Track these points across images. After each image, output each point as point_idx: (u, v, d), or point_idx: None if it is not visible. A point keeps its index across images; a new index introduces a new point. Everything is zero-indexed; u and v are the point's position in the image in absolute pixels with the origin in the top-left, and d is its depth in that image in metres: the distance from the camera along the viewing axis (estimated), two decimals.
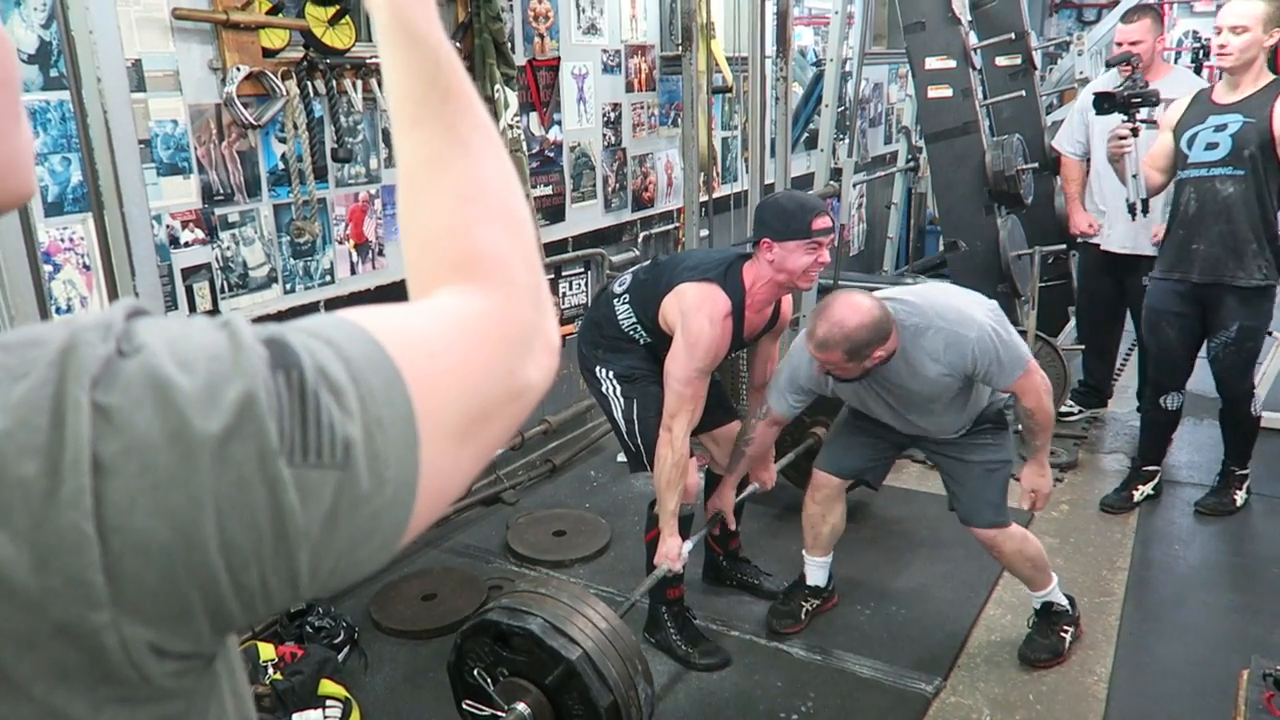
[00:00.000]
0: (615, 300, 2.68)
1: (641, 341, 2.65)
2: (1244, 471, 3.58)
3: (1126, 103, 3.25)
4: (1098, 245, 4.14)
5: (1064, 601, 2.75)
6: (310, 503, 0.44)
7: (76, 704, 0.43)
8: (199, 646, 0.45)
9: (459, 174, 0.60)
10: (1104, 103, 3.30)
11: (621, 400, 2.67)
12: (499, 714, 2.09)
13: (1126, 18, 3.92)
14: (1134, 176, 3.31)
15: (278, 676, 2.43)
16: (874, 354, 2.36)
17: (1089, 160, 4.19)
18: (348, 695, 2.46)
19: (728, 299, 2.47)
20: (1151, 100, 3.25)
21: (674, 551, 2.58)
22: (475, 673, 2.15)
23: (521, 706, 2.07)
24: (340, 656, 2.72)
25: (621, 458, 4.02)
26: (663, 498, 2.56)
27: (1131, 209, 3.35)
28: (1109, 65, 4.10)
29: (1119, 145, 3.29)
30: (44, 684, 0.42)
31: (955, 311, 2.44)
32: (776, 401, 2.66)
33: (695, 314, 2.45)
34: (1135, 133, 3.22)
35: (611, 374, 2.67)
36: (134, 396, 0.41)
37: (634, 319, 2.63)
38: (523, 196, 0.63)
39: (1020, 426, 2.62)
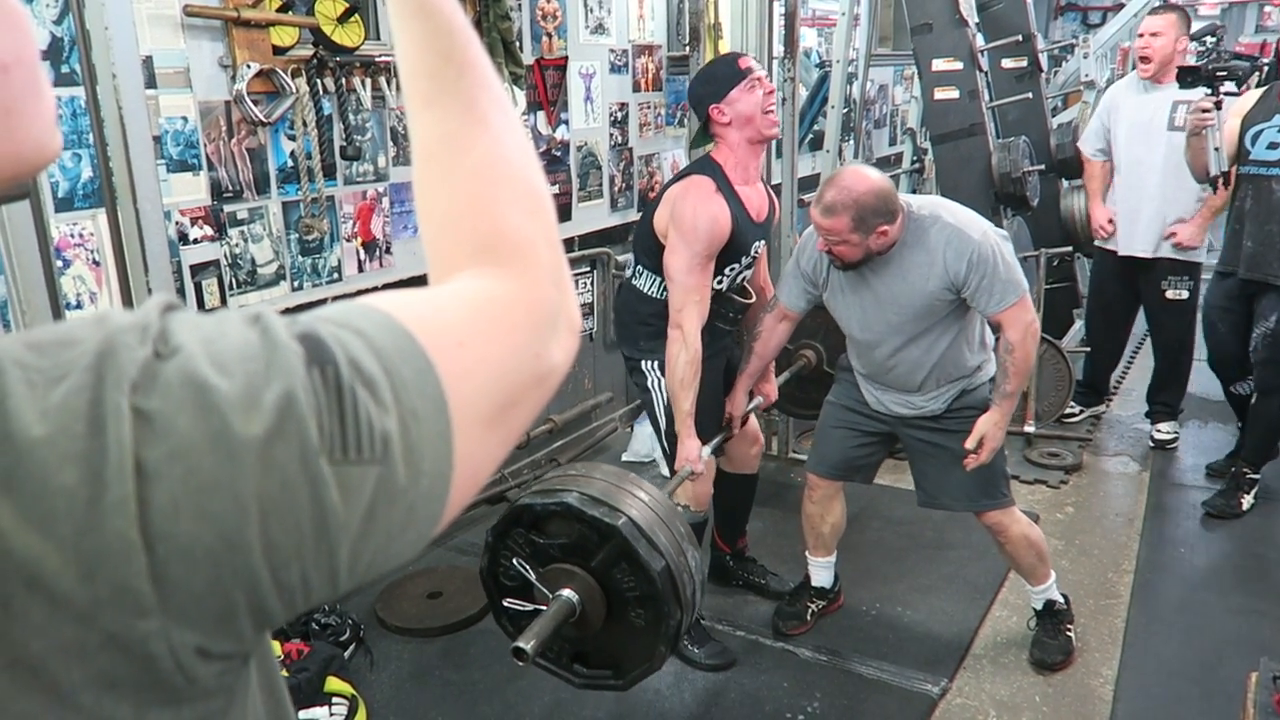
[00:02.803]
0: (632, 280, 2.68)
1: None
2: (1255, 475, 3.57)
3: (1211, 76, 3.26)
4: (1114, 251, 4.09)
5: (1062, 599, 2.75)
6: (351, 499, 0.44)
7: (122, 709, 0.42)
8: (241, 645, 0.45)
9: (479, 152, 0.59)
10: (1188, 76, 3.32)
11: (664, 394, 2.61)
12: (541, 608, 1.89)
13: (1152, 10, 3.92)
14: (1215, 150, 3.29)
15: (284, 673, 2.43)
16: (879, 228, 2.31)
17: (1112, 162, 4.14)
18: (354, 693, 2.46)
19: (708, 178, 2.47)
20: (1237, 74, 3.28)
21: (693, 453, 2.53)
22: (515, 562, 1.95)
23: (567, 593, 1.88)
24: (346, 654, 2.72)
25: (627, 456, 4.04)
26: (677, 398, 2.51)
27: (1213, 182, 3.37)
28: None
29: (1201, 118, 3.28)
30: (92, 693, 0.41)
31: (967, 214, 2.43)
32: (783, 292, 2.67)
33: (681, 202, 2.45)
34: (1219, 105, 3.23)
35: (657, 365, 2.62)
36: (175, 401, 0.41)
37: (652, 277, 2.60)
38: (542, 173, 0.62)
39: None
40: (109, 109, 1.56)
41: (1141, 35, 3.85)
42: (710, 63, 2.72)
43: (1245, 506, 3.54)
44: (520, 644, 1.74)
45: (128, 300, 1.63)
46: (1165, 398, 4.18)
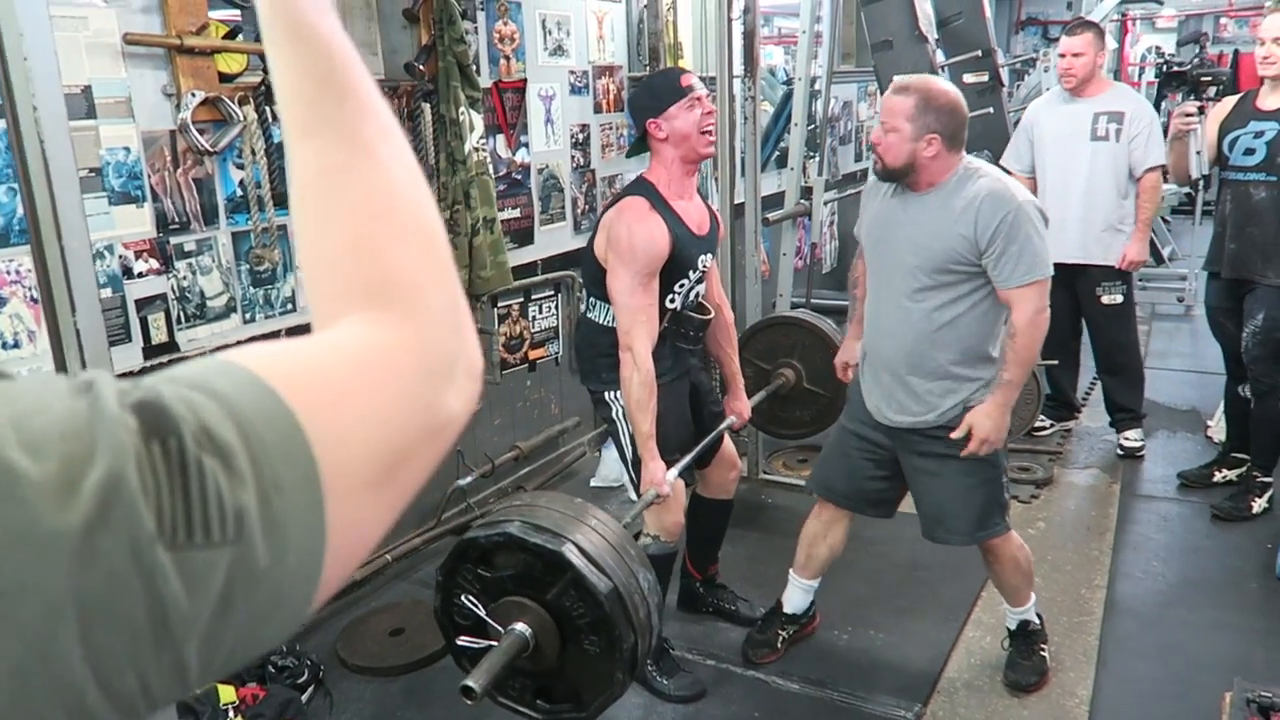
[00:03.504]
0: (587, 313, 2.64)
1: None
2: (1267, 479, 3.59)
3: (1196, 81, 3.37)
4: None
5: (1037, 619, 2.72)
6: (198, 589, 0.39)
7: None
8: None
9: (362, 187, 0.54)
10: (1173, 80, 3.44)
11: (628, 424, 2.54)
12: (495, 643, 1.86)
13: (1070, 30, 4.05)
14: (1198, 153, 3.45)
15: None
16: (931, 133, 2.27)
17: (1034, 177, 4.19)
18: None
19: (641, 197, 2.45)
20: (1220, 80, 3.41)
21: (658, 475, 2.46)
22: (464, 599, 1.92)
23: (520, 626, 1.84)
24: (305, 697, 2.64)
25: (596, 482, 3.98)
26: (635, 420, 2.45)
27: (1194, 185, 3.48)
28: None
29: (1186, 122, 3.44)
30: None
31: (1012, 180, 2.40)
32: (858, 229, 2.64)
33: (616, 225, 2.43)
34: (1202, 110, 3.35)
35: (620, 395, 2.55)
36: None
37: (605, 307, 2.55)
38: (434, 207, 0.57)
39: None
40: (30, 142, 1.49)
41: (1064, 55, 4.00)
42: (652, 75, 2.71)
43: (1256, 510, 3.55)
44: (469, 682, 1.70)
45: (56, 341, 1.56)
46: (1123, 402, 4.22)
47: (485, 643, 1.88)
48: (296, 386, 0.44)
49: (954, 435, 2.39)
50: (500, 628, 1.85)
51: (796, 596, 2.86)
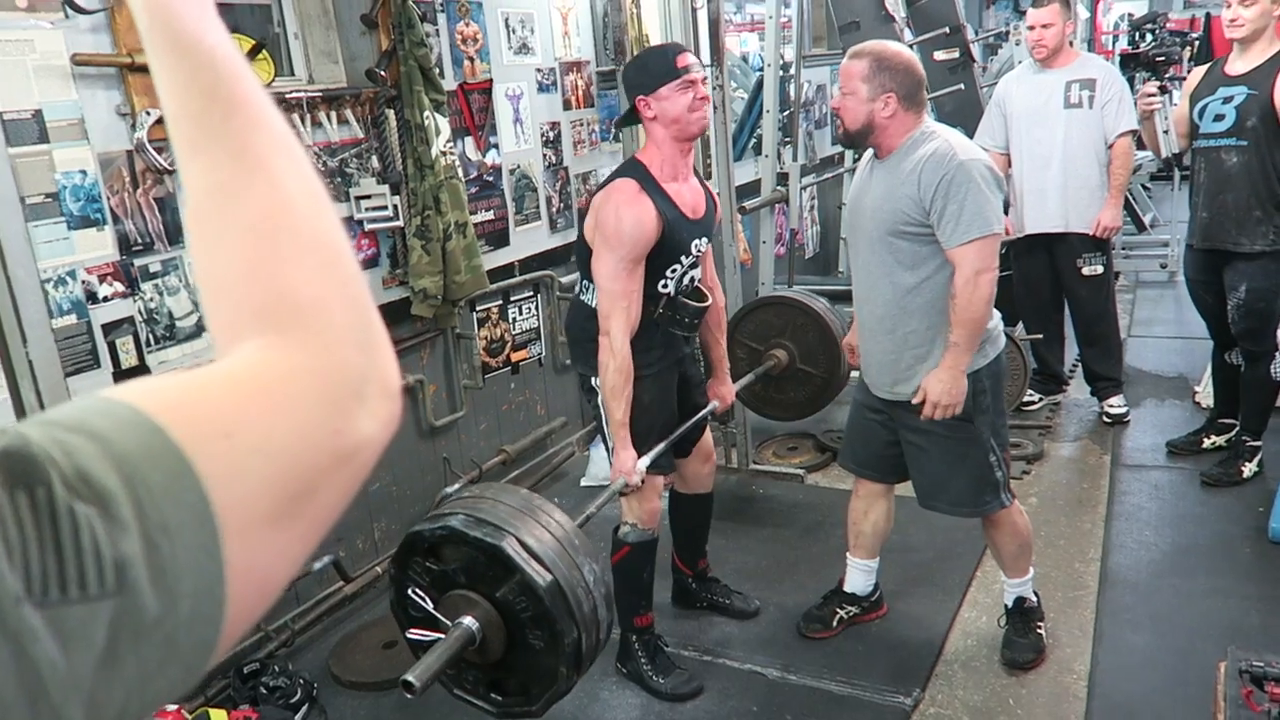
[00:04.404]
0: (579, 296, 2.59)
1: None
2: (1256, 443, 3.58)
3: (1152, 61, 3.35)
4: (1027, 236, 4.15)
5: (1033, 597, 2.70)
6: (77, 646, 0.36)
7: None
8: None
9: (254, 203, 0.51)
10: (1130, 62, 3.41)
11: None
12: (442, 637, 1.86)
13: (1037, 2, 4.03)
14: (1164, 133, 3.45)
15: None
16: (887, 92, 2.29)
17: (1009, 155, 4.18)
18: None
19: (631, 179, 2.40)
20: (1174, 57, 3.39)
21: (628, 464, 2.43)
22: (412, 593, 1.92)
23: (467, 620, 1.85)
24: (298, 717, 2.61)
25: (586, 481, 3.95)
26: (609, 407, 2.42)
27: (1167, 164, 3.46)
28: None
29: (1149, 102, 3.44)
30: None
31: (968, 143, 2.38)
32: None
33: (604, 208, 2.39)
34: (1163, 90, 3.33)
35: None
36: None
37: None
38: (336, 220, 0.54)
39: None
40: None
41: (1033, 28, 3.99)
42: (648, 50, 2.64)
43: (1246, 474, 3.55)
44: (408, 676, 1.70)
45: (9, 372, 1.53)
46: (1103, 371, 4.23)
47: (434, 635, 1.87)
48: (183, 420, 0.41)
49: (914, 400, 2.41)
50: (448, 622, 1.85)
51: (855, 577, 2.86)
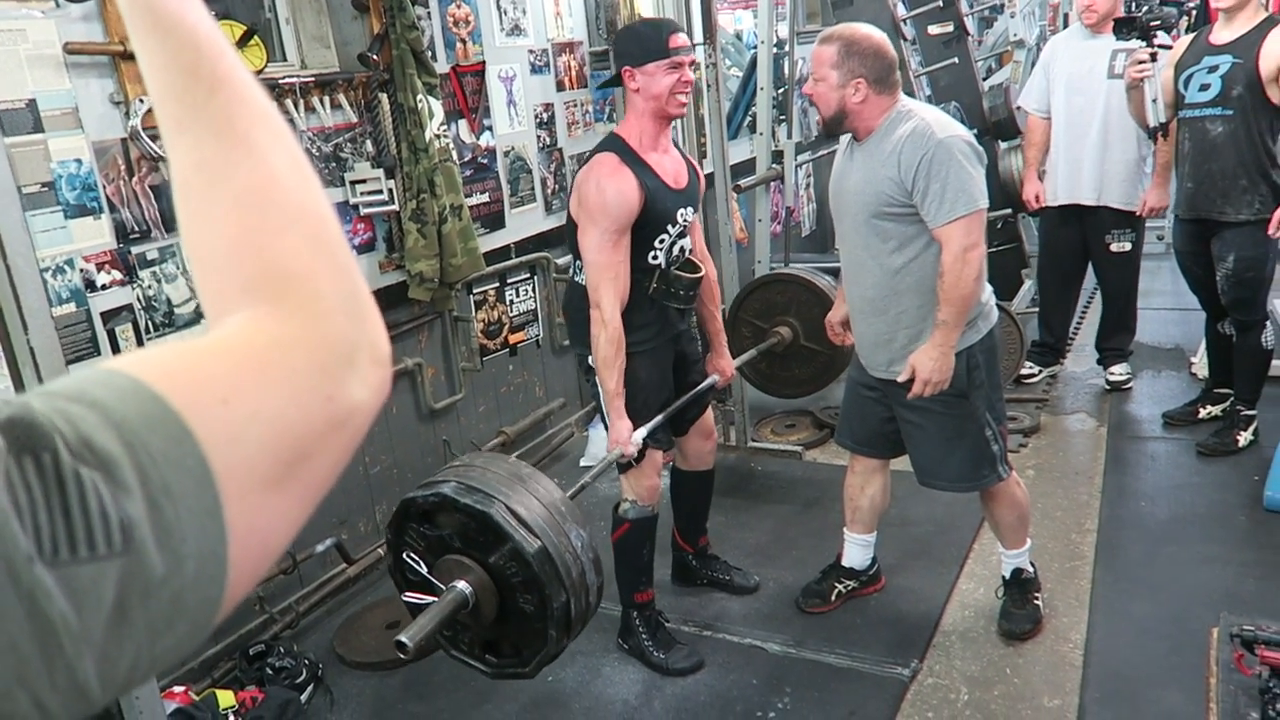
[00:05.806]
0: (574, 278, 2.60)
1: None
2: (1251, 412, 3.60)
3: (1145, 27, 3.29)
4: (1058, 207, 4.11)
5: (1030, 568, 2.73)
6: (87, 604, 0.38)
7: None
8: None
9: (241, 178, 0.53)
10: (1123, 27, 3.36)
11: None
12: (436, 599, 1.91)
13: None
14: (1154, 101, 3.37)
15: None
16: (858, 78, 2.30)
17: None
18: None
19: (610, 153, 2.42)
20: (1169, 23, 3.33)
21: (624, 434, 2.45)
22: (407, 557, 1.98)
23: (461, 584, 1.89)
24: (304, 697, 2.64)
25: (585, 461, 3.98)
26: (602, 377, 2.44)
27: (1152, 133, 3.41)
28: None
29: (1139, 70, 3.35)
30: None
31: (947, 120, 2.38)
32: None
33: (585, 184, 2.41)
34: (1154, 57, 3.29)
35: None
36: None
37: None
38: (322, 193, 0.55)
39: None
40: None
41: None
42: (645, 21, 2.65)
43: (1242, 443, 3.56)
44: (401, 637, 1.74)
45: (11, 360, 1.55)
46: (1115, 343, 4.25)
47: (429, 599, 1.92)
48: (181, 388, 0.43)
49: (901, 379, 2.42)
50: (442, 585, 1.90)
51: (852, 552, 2.89)
